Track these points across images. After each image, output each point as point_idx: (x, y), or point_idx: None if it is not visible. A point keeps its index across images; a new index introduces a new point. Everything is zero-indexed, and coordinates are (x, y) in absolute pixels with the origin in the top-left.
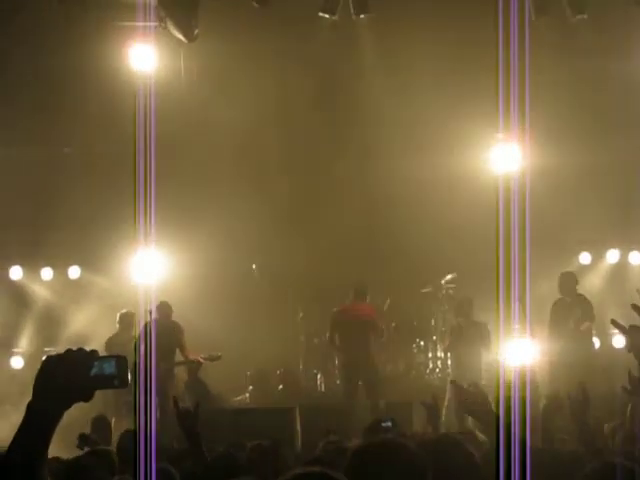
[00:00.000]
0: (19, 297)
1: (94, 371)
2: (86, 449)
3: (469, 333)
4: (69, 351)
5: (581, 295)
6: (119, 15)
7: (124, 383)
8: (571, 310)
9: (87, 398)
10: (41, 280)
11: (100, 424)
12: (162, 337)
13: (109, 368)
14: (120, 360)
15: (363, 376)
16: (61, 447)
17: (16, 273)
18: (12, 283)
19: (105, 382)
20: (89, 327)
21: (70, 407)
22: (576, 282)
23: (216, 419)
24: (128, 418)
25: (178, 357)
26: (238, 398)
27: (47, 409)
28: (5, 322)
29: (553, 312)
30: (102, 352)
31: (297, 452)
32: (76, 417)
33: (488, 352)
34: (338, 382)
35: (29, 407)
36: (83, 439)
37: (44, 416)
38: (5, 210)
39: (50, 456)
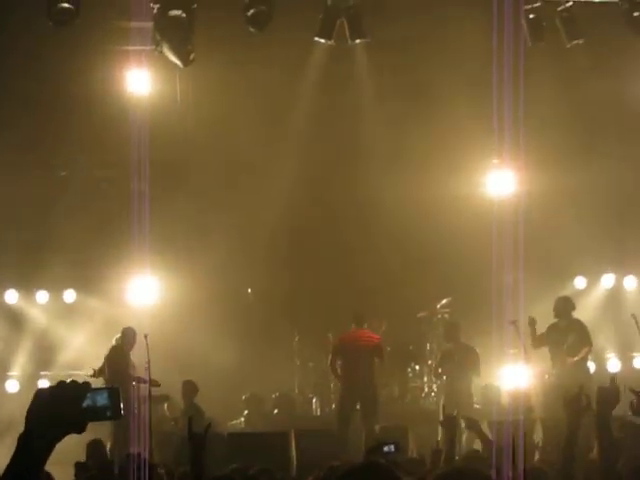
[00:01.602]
0: (14, 320)
1: (87, 403)
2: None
3: (459, 357)
4: (61, 383)
5: (577, 319)
6: (116, 40)
7: (117, 414)
8: (566, 334)
9: (79, 430)
10: (36, 303)
11: (95, 448)
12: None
13: (102, 400)
14: (112, 391)
15: (363, 401)
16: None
17: (11, 296)
18: (7, 306)
19: (98, 414)
20: (85, 350)
21: (62, 439)
22: (572, 307)
23: (211, 443)
24: (124, 441)
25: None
26: (233, 422)
27: (38, 441)
28: (1, 346)
29: (547, 336)
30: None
31: (292, 476)
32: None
33: (477, 376)
34: (334, 406)
35: (20, 439)
36: (80, 468)
37: (35, 448)
38: (0, 233)
39: None
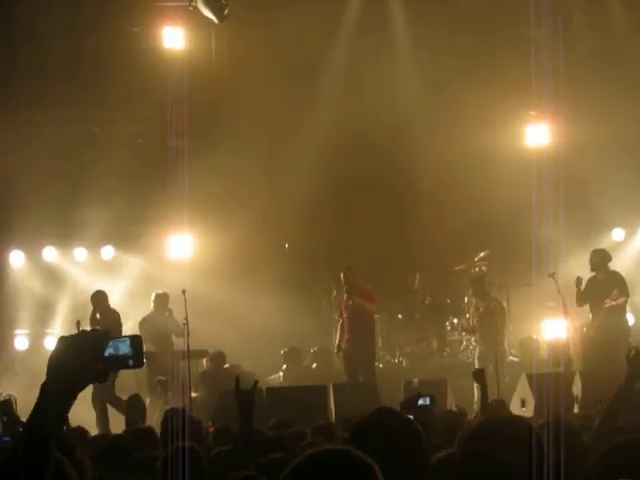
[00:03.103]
0: (53, 277)
1: (109, 351)
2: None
3: (487, 310)
4: (83, 332)
5: (614, 271)
6: None
7: (139, 363)
8: (603, 287)
9: (101, 379)
10: (74, 260)
11: (135, 403)
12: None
13: (124, 348)
14: (135, 339)
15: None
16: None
17: (50, 253)
18: (46, 263)
19: (120, 363)
20: (123, 306)
21: (84, 388)
22: (608, 259)
23: None
24: (162, 397)
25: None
26: (272, 377)
27: (61, 390)
28: (40, 302)
29: (587, 290)
30: (136, 331)
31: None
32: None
33: (505, 328)
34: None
35: (43, 387)
36: None
37: (58, 397)
38: (38, 190)
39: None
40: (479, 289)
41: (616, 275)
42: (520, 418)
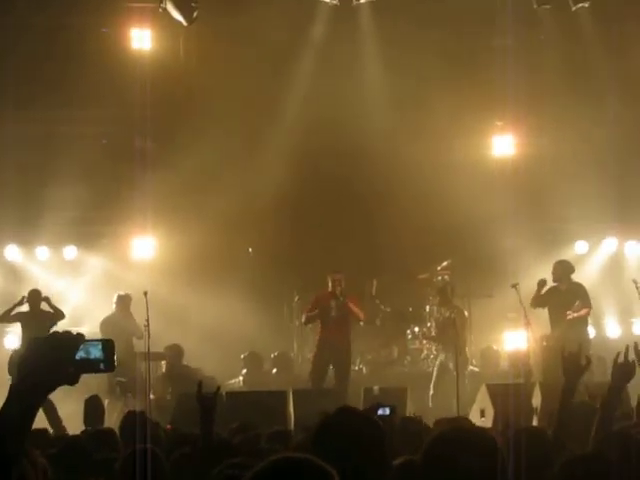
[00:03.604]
0: (14, 276)
1: (80, 355)
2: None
3: (448, 319)
4: (55, 334)
5: (577, 283)
6: None
7: (111, 367)
8: (566, 297)
9: (72, 382)
10: (37, 259)
11: (94, 404)
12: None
13: (95, 352)
14: (107, 344)
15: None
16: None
17: (11, 252)
18: (7, 262)
19: (91, 366)
20: (85, 306)
21: (54, 390)
22: (572, 270)
23: None
24: (122, 399)
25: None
26: (232, 381)
27: (30, 391)
28: (1, 300)
29: (547, 298)
30: (97, 331)
31: (292, 436)
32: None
33: (467, 336)
34: (331, 367)
35: (11, 388)
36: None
37: (26, 398)
38: (1, 189)
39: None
40: (444, 298)
41: (579, 287)
42: (481, 428)
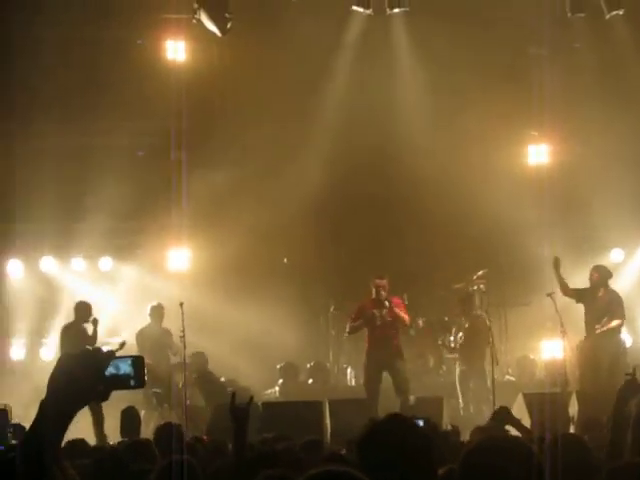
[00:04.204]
0: (50, 287)
1: (110, 371)
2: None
3: (470, 329)
4: (85, 351)
5: (613, 291)
6: (155, 7)
7: (141, 383)
8: (601, 303)
9: (102, 398)
10: (72, 270)
11: (130, 415)
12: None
13: (125, 368)
14: (137, 360)
15: None
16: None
17: (48, 263)
18: (44, 273)
19: (121, 383)
20: (120, 318)
21: (84, 406)
22: (609, 275)
23: None
24: (158, 409)
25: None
26: (268, 391)
27: (60, 408)
28: (37, 313)
29: (581, 295)
30: (133, 342)
31: (326, 446)
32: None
33: (488, 345)
34: None
35: (42, 405)
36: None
37: (56, 415)
38: (37, 200)
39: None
40: (466, 307)
41: (616, 296)
42: (516, 436)
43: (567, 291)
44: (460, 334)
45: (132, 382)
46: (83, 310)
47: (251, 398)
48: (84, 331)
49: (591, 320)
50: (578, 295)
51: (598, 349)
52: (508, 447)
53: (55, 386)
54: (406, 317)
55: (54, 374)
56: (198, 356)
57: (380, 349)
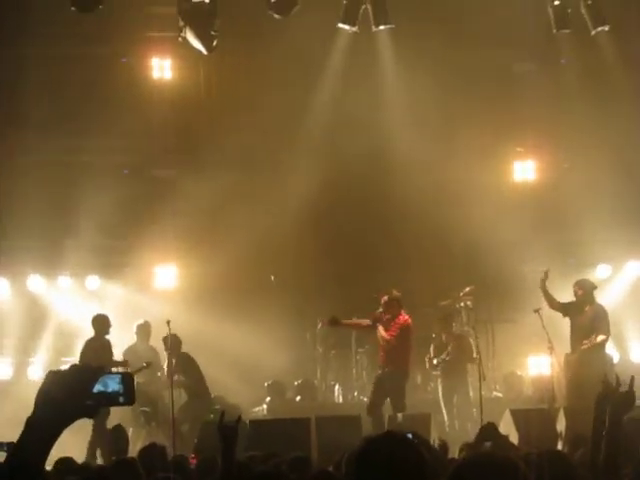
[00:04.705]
0: (37, 306)
1: (97, 388)
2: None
3: (452, 347)
4: (74, 366)
5: (599, 304)
6: (139, 26)
7: (130, 400)
8: (586, 317)
9: (89, 415)
10: (59, 289)
11: (118, 433)
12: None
13: (113, 385)
14: (125, 377)
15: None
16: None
17: (34, 282)
18: (30, 292)
19: (109, 399)
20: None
21: (72, 423)
22: (593, 287)
23: None
24: (146, 427)
25: None
26: (256, 409)
27: (47, 424)
28: (23, 331)
29: (567, 308)
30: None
31: (313, 463)
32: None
33: (472, 363)
34: (356, 394)
35: (28, 421)
36: None
37: (43, 431)
38: (23, 218)
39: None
40: (447, 325)
41: (601, 311)
42: (504, 453)
43: (554, 304)
44: (447, 351)
45: (121, 399)
46: (101, 323)
47: (239, 417)
48: (107, 345)
49: (576, 336)
50: (564, 309)
51: (583, 365)
52: (496, 463)
53: (42, 402)
54: (384, 335)
55: (42, 389)
56: (171, 338)
57: (380, 366)
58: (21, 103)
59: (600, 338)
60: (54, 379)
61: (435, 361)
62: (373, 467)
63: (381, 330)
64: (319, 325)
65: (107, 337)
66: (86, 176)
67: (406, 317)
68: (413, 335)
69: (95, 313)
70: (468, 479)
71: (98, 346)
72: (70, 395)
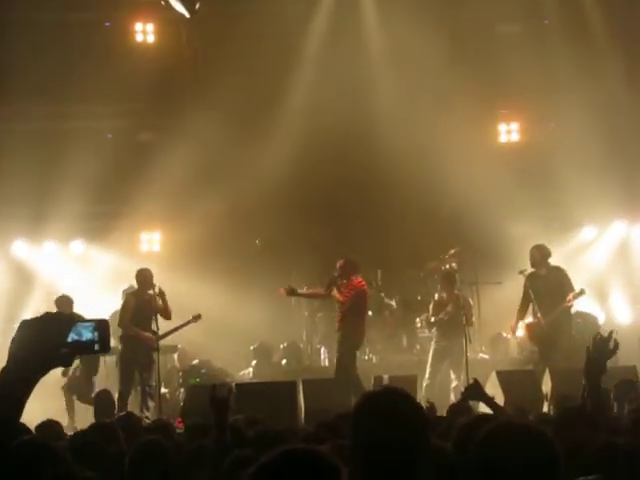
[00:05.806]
0: (22, 271)
1: (72, 337)
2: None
3: (452, 307)
4: (45, 315)
5: (555, 266)
6: None
7: (105, 348)
8: (547, 282)
9: (65, 364)
10: (44, 254)
11: (104, 398)
12: None
13: (87, 333)
14: (101, 324)
15: None
16: None
17: (19, 247)
18: (15, 257)
19: (84, 347)
20: (92, 301)
21: (46, 373)
22: (548, 254)
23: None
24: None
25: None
26: (242, 372)
27: (22, 375)
28: (8, 297)
29: (529, 285)
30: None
31: (300, 426)
32: None
33: (469, 325)
34: None
35: (3, 370)
36: None
37: (18, 381)
38: (7, 184)
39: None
40: (446, 285)
41: (560, 271)
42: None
43: (525, 307)
44: (445, 310)
45: (96, 347)
46: (144, 277)
47: (230, 389)
48: (149, 300)
49: (547, 300)
50: (528, 290)
51: (564, 327)
52: (527, 435)
53: (16, 351)
54: (338, 297)
55: (14, 338)
56: (61, 299)
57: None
58: (3, 70)
59: (571, 295)
60: (27, 328)
61: (433, 319)
62: (374, 420)
63: (336, 293)
64: (304, 288)
65: (150, 292)
66: (71, 141)
67: (360, 280)
68: (367, 301)
69: (138, 268)
70: (497, 453)
71: (142, 300)
72: (44, 343)
